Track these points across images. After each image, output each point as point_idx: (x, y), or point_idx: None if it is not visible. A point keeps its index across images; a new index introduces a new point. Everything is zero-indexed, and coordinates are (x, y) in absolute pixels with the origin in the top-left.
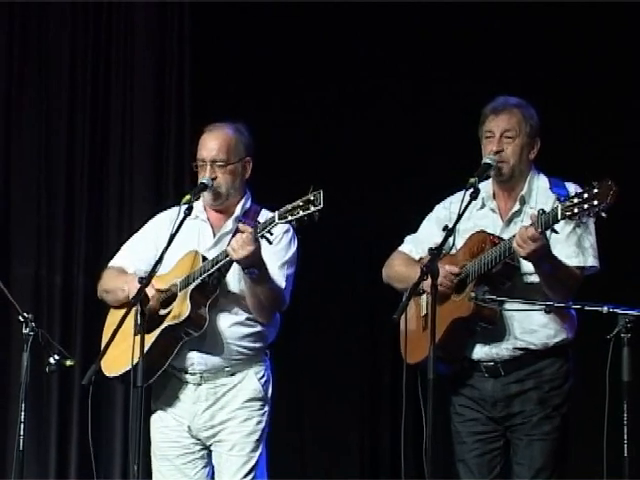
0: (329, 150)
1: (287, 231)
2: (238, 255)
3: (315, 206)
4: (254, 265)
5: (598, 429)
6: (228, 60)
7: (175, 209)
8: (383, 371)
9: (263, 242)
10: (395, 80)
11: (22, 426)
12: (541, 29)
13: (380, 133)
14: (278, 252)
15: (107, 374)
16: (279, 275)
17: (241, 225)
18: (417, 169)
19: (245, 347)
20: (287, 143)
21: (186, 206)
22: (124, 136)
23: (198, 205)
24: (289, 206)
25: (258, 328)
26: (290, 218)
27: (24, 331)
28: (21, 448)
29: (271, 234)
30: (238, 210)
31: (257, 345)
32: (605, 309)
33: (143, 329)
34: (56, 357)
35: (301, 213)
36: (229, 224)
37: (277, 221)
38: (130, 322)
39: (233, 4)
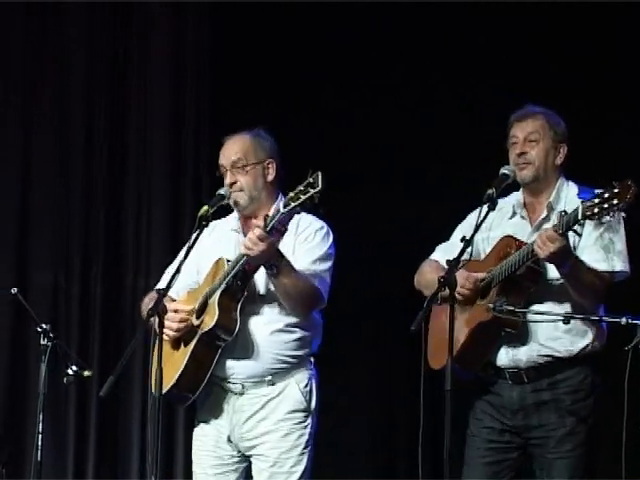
0: (334, 152)
1: (320, 228)
2: (253, 253)
3: (314, 188)
4: (271, 260)
5: (617, 441)
6: (245, 62)
7: (216, 222)
8: (399, 374)
9: (292, 238)
10: (394, 82)
11: (40, 437)
12: (541, 29)
13: (385, 136)
14: (312, 249)
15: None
16: (311, 271)
17: (253, 221)
18: (420, 172)
19: (287, 355)
20: (288, 143)
21: (205, 217)
22: (143, 144)
23: (234, 216)
24: (292, 193)
25: (299, 334)
26: (293, 204)
27: (42, 342)
28: (39, 459)
29: (284, 226)
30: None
31: (300, 352)
32: (624, 320)
33: (161, 339)
34: (74, 368)
35: (302, 197)
36: None
37: (282, 210)
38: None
39: (251, 5)
